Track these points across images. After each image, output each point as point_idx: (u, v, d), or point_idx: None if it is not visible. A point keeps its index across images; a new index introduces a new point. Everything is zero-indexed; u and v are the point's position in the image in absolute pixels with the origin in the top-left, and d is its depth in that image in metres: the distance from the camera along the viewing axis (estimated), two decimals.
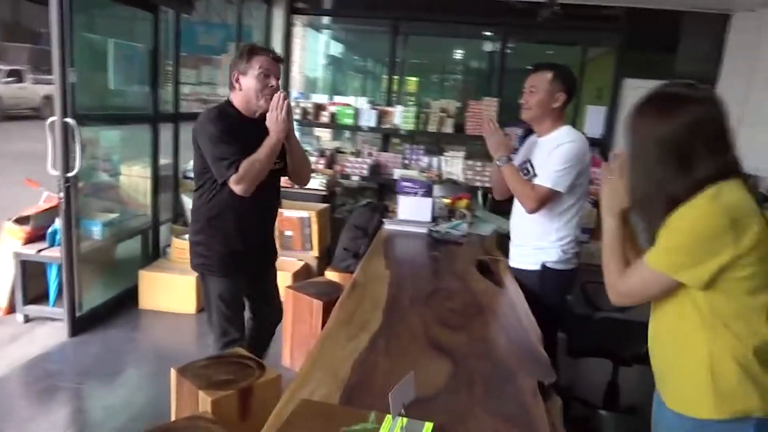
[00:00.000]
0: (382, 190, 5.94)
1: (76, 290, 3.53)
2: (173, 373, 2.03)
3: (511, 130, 2.90)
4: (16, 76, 15.68)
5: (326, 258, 4.71)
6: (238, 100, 2.31)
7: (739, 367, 1.30)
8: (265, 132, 2.23)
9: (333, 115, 5.79)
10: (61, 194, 3.37)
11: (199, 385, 1.93)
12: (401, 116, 5.65)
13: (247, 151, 2.19)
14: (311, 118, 5.75)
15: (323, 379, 1.53)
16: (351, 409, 1.38)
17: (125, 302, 4.01)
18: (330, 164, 5.63)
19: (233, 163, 2.17)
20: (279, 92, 2.25)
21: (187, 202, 4.77)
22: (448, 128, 5.64)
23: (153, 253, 4.44)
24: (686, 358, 1.37)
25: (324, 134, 6.75)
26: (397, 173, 5.45)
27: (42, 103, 15.73)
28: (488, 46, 7.78)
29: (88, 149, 3.70)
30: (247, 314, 2.56)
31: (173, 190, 4.73)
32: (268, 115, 2.24)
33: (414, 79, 8.57)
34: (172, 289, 3.99)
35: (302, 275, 4.32)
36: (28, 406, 2.85)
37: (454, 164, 5.63)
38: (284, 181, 2.55)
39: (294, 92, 6.29)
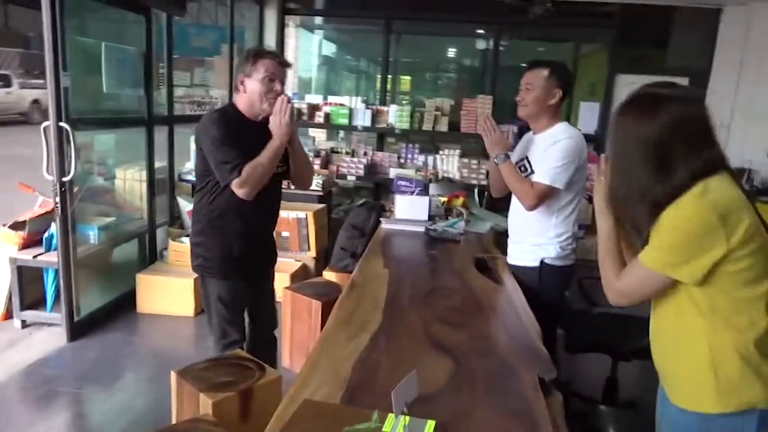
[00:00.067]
0: (378, 190, 5.95)
1: (74, 295, 3.52)
2: (173, 375, 2.03)
3: (507, 127, 2.91)
4: (4, 80, 15.57)
5: (323, 258, 4.71)
6: (242, 102, 2.31)
7: (741, 360, 1.32)
8: (268, 135, 2.23)
9: (327, 116, 5.78)
10: (57, 199, 3.36)
11: (200, 388, 1.92)
12: (396, 115, 5.66)
13: (249, 154, 2.19)
14: (306, 119, 5.75)
15: (324, 379, 1.53)
16: (353, 408, 1.38)
17: (123, 306, 4.01)
18: (325, 164, 5.63)
19: (236, 166, 2.17)
20: (282, 96, 2.25)
21: (184, 204, 4.76)
22: (443, 126, 5.64)
23: (150, 257, 4.43)
24: (687, 353, 1.38)
25: (319, 134, 6.75)
26: (393, 172, 5.45)
27: (30, 108, 15.65)
28: (481, 44, 7.79)
29: (83, 153, 3.70)
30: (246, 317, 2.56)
31: (169, 192, 4.72)
32: (271, 118, 2.23)
33: (407, 77, 8.56)
34: (169, 292, 3.98)
35: (300, 276, 4.32)
36: (26, 411, 2.84)
37: (449, 162, 5.65)
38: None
39: (288, 93, 6.27)
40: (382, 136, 6.11)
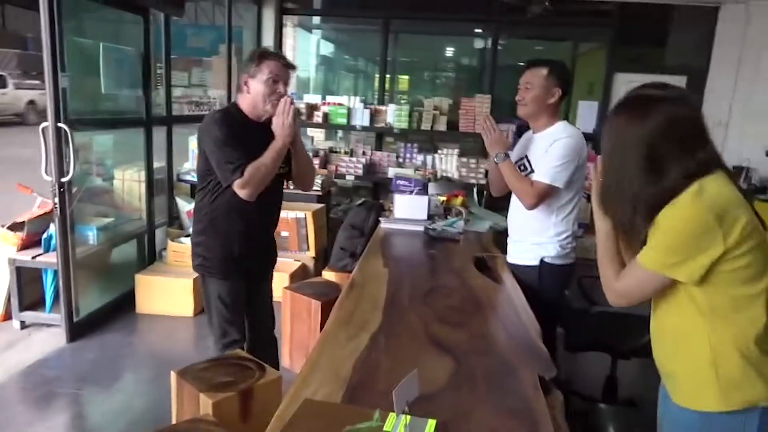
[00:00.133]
0: (376, 189, 5.95)
1: (73, 295, 3.52)
2: (173, 376, 2.03)
3: (505, 126, 2.92)
4: None
5: (323, 258, 4.71)
6: (245, 103, 2.31)
7: (742, 358, 1.32)
8: (270, 136, 2.23)
9: (326, 115, 5.79)
10: (56, 200, 3.35)
11: (200, 388, 1.92)
12: (394, 115, 5.66)
13: (252, 154, 2.19)
14: (304, 119, 5.75)
15: (325, 379, 1.53)
16: (354, 408, 1.38)
17: (122, 307, 4.00)
18: (324, 164, 5.63)
19: (238, 167, 2.17)
20: (286, 97, 2.25)
21: (182, 205, 4.76)
22: (442, 126, 5.65)
23: (149, 257, 4.43)
24: (688, 352, 1.39)
25: (317, 134, 6.75)
26: (392, 172, 5.46)
27: (26, 109, 15.58)
28: (479, 43, 7.80)
29: (82, 154, 3.69)
30: None
31: (168, 193, 4.72)
32: (274, 119, 2.23)
33: (406, 77, 8.57)
34: (169, 293, 3.98)
35: (299, 276, 4.32)
36: (26, 412, 2.83)
37: (448, 162, 5.65)
38: None
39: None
40: (380, 136, 6.12)
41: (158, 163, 4.51)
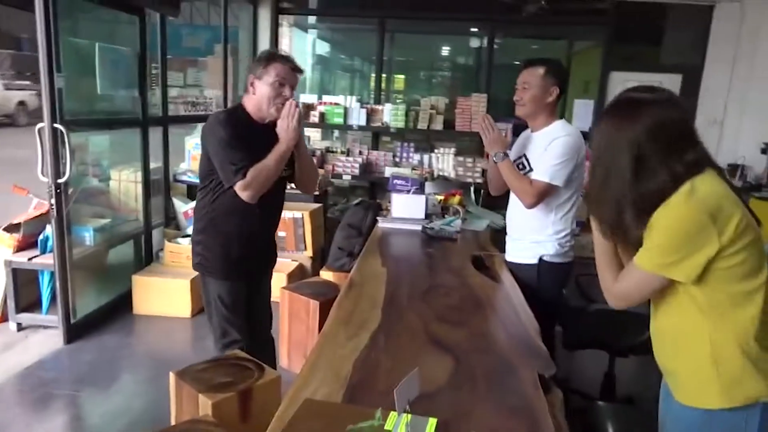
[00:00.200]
0: (373, 189, 5.95)
1: (70, 297, 3.51)
2: (172, 376, 2.02)
3: (503, 125, 2.92)
4: None
5: (320, 258, 4.71)
6: (250, 104, 2.30)
7: (742, 354, 1.33)
8: (274, 138, 2.23)
9: (322, 115, 5.79)
10: (52, 201, 3.34)
11: (199, 389, 1.92)
12: (390, 114, 5.66)
13: (255, 156, 2.18)
14: None
15: (325, 378, 1.53)
16: (355, 407, 1.38)
17: (120, 308, 3.99)
18: (321, 164, 5.62)
19: (241, 168, 2.16)
20: (290, 100, 2.24)
21: (179, 205, 4.75)
22: (438, 125, 5.65)
23: (146, 258, 4.42)
24: (689, 350, 1.39)
25: (313, 134, 6.74)
26: (389, 171, 5.46)
27: (16, 110, 15.41)
28: (475, 42, 7.80)
29: (78, 155, 3.68)
30: None
31: (164, 193, 4.71)
32: (279, 122, 2.23)
33: (402, 76, 8.57)
34: (166, 293, 3.97)
35: (297, 276, 4.32)
36: (23, 414, 2.82)
37: (444, 161, 5.65)
38: None
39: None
40: (377, 135, 6.11)
41: (154, 164, 4.50)
